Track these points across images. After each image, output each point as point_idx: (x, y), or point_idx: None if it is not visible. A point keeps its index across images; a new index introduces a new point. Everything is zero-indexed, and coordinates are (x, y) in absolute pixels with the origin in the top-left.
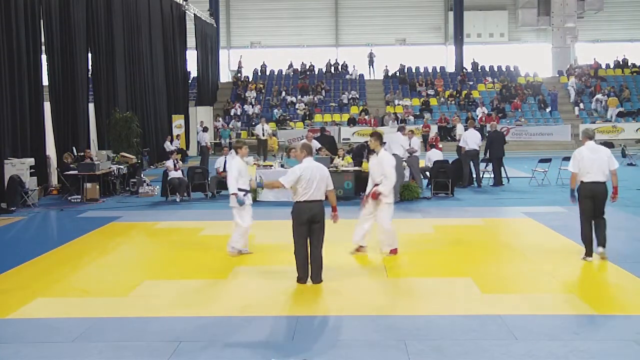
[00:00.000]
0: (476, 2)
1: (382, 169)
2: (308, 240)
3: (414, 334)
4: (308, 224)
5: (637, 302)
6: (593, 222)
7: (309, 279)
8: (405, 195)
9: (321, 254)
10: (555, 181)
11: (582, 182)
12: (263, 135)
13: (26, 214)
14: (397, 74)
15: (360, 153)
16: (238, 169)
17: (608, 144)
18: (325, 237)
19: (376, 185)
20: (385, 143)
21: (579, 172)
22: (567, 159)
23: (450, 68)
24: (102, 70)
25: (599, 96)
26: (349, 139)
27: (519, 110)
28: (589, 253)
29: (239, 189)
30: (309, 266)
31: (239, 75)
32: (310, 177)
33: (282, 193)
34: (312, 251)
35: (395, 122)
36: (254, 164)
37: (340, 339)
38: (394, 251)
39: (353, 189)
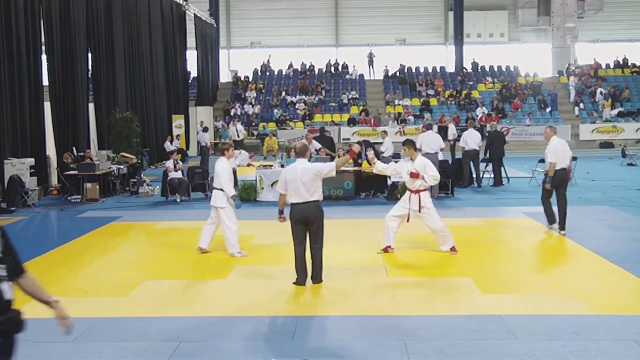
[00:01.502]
0: (476, 2)
1: (425, 171)
2: (307, 243)
3: (414, 334)
4: (303, 225)
5: (637, 302)
6: (557, 202)
7: (307, 280)
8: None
9: (321, 254)
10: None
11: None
12: (238, 136)
13: (26, 214)
14: (397, 74)
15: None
16: (229, 171)
17: (608, 144)
18: (325, 236)
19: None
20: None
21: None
22: None
23: (450, 68)
24: (102, 70)
25: (600, 91)
26: (349, 139)
27: (519, 110)
28: (551, 221)
29: None
30: (307, 267)
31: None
32: (293, 178)
33: None
34: (311, 251)
35: (395, 122)
36: (249, 164)
37: (340, 339)
38: (453, 249)
39: (353, 189)
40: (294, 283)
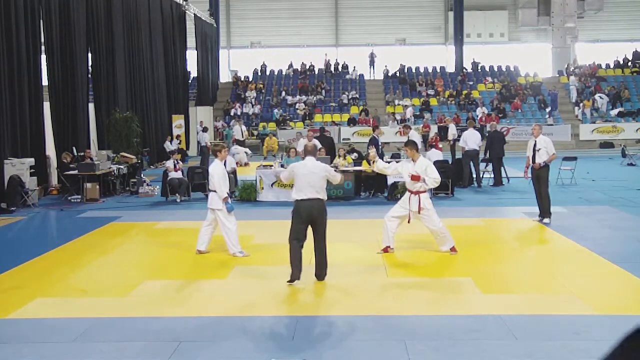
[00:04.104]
0: (476, 2)
1: (426, 173)
2: (304, 242)
3: (414, 334)
4: (307, 222)
5: (637, 302)
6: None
7: (302, 276)
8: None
9: (325, 250)
10: (555, 181)
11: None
12: (242, 135)
13: (26, 214)
14: (397, 74)
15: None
16: (221, 173)
17: (608, 144)
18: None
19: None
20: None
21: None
22: (567, 159)
23: (450, 68)
24: (102, 70)
25: (600, 95)
26: (349, 139)
27: (519, 110)
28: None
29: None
30: (302, 262)
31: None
32: (302, 173)
33: (282, 193)
34: (316, 248)
35: (395, 122)
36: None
37: (340, 339)
38: (453, 249)
39: (353, 189)
40: (288, 281)
